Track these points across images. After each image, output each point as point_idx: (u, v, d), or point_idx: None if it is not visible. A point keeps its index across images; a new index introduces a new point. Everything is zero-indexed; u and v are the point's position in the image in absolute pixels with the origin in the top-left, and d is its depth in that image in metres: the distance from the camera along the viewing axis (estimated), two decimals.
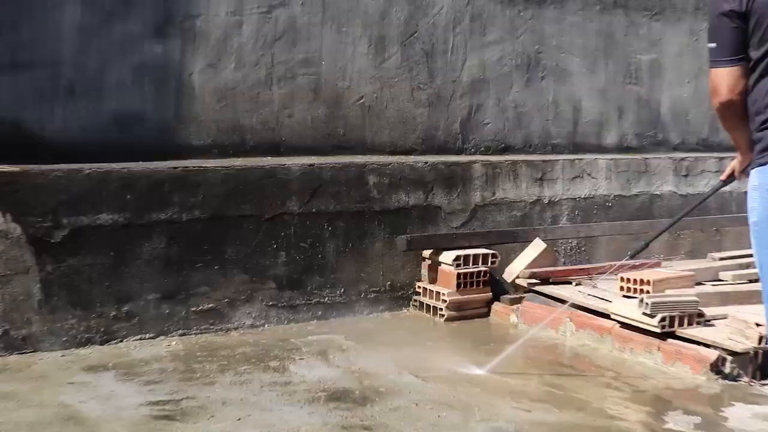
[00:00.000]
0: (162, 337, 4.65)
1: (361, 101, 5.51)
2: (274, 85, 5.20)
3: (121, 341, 4.54)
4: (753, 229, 3.11)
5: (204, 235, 4.74)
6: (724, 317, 4.53)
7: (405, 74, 5.66)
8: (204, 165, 4.77)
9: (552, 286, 5.31)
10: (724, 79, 3.11)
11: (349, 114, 5.48)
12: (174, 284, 4.68)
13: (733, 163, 3.60)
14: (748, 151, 3.23)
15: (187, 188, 4.67)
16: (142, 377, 4.04)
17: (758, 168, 3.10)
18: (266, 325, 4.95)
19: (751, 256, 6.10)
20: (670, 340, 4.43)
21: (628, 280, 4.89)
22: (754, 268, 5.53)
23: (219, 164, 4.83)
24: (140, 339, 4.59)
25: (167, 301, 4.67)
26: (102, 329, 4.50)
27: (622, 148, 6.74)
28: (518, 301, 5.30)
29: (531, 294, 5.31)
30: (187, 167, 4.70)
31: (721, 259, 5.97)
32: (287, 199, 4.99)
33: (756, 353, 4.25)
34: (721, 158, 7.00)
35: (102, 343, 4.48)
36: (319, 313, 5.14)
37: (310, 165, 5.09)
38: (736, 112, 3.15)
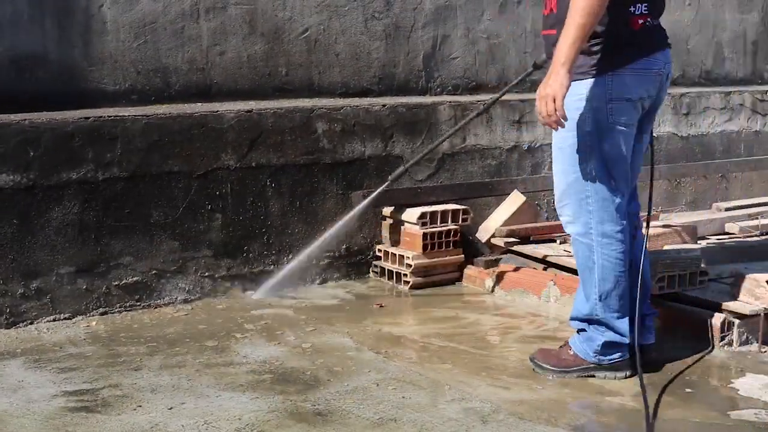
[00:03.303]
0: (79, 317, 4.64)
1: (306, 34, 5.49)
2: (201, 18, 5.15)
3: (32, 323, 4.53)
4: (585, 140, 3.76)
5: (124, 197, 4.71)
6: (731, 275, 4.60)
7: (357, 1, 5.63)
8: (121, 114, 4.73)
9: (533, 245, 5.35)
10: None
11: (292, 50, 5.45)
12: (91, 255, 4.67)
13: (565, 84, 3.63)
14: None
15: (102, 142, 4.64)
16: (56, 364, 4.03)
17: (593, 79, 3.70)
18: (202, 300, 4.97)
19: (761, 205, 6.23)
20: (669, 303, 4.50)
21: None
22: (765, 218, 5.65)
23: (139, 113, 4.79)
24: (54, 320, 4.58)
25: (84, 275, 4.65)
26: (8, 310, 4.48)
27: None
28: (494, 263, 5.35)
29: (509, 255, 5.36)
30: (100, 117, 4.66)
31: (728, 209, 6.05)
32: (222, 152, 4.97)
33: (767, 315, 4.32)
34: (727, 93, 7.09)
35: (8, 327, 4.47)
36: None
37: (248, 111, 5.07)
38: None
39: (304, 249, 5.17)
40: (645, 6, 3.70)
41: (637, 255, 3.97)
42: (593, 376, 3.94)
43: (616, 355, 3.93)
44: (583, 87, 3.73)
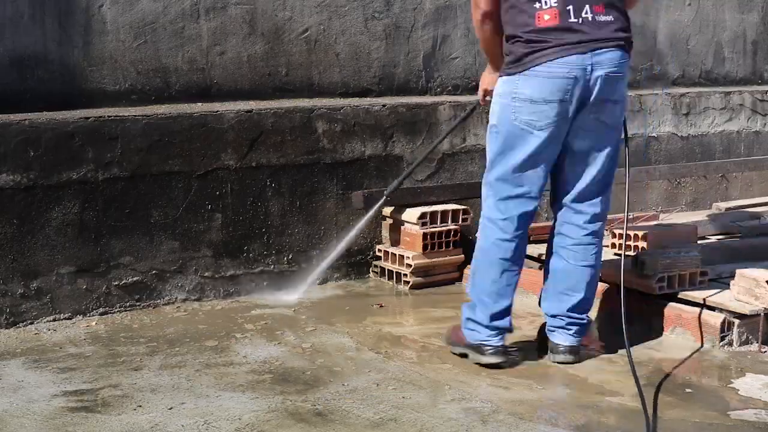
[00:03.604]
0: (79, 317, 4.64)
1: (306, 34, 5.49)
2: (201, 18, 5.15)
3: (32, 323, 4.53)
4: (491, 131, 4.03)
5: (124, 197, 4.71)
6: (731, 275, 4.60)
7: (357, 1, 5.63)
8: (121, 114, 4.73)
9: (533, 244, 5.33)
10: None
11: (292, 50, 5.45)
12: (91, 255, 4.66)
13: (486, 80, 4.33)
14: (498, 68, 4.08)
15: (103, 142, 4.63)
16: (56, 364, 4.03)
17: (506, 77, 3.92)
18: (202, 300, 4.97)
19: (761, 205, 6.27)
20: (669, 303, 4.50)
21: (620, 236, 4.95)
22: (765, 219, 5.66)
23: (139, 113, 4.79)
24: (53, 320, 4.58)
25: (84, 275, 4.65)
26: (8, 310, 4.48)
27: None
28: None
29: None
30: (101, 117, 4.65)
31: (728, 209, 6.05)
32: (222, 152, 4.97)
33: (767, 315, 4.33)
34: (727, 93, 7.09)
35: (8, 327, 4.46)
36: (264, 283, 5.16)
37: (248, 111, 5.06)
38: (494, 25, 3.96)
39: (330, 251, 5.21)
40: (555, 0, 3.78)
41: (567, 260, 4.10)
42: (467, 356, 4.12)
43: (483, 336, 4.06)
44: (500, 84, 3.96)
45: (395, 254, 5.34)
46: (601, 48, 3.81)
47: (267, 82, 5.39)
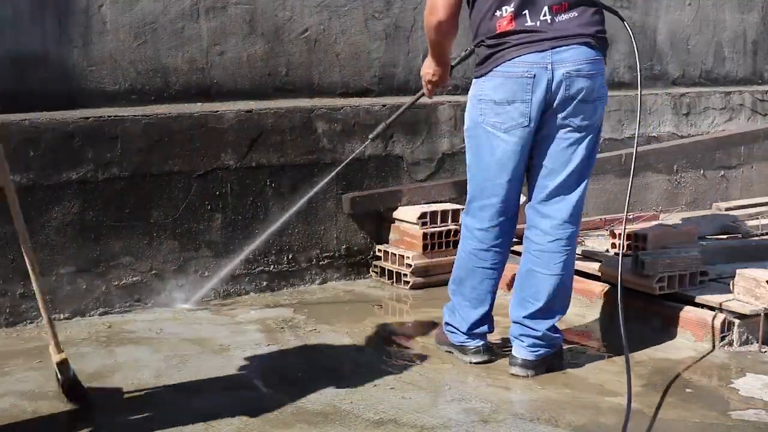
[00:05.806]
0: (79, 317, 4.65)
1: (306, 34, 5.49)
2: (201, 17, 5.15)
3: (31, 323, 4.53)
4: (466, 135, 4.05)
5: (124, 197, 4.71)
6: (731, 275, 4.61)
7: (357, 1, 5.63)
8: (121, 114, 4.73)
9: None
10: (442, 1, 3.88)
11: (292, 50, 5.45)
12: (91, 255, 4.67)
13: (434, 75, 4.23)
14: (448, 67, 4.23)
15: (102, 142, 4.63)
16: None
17: (474, 80, 3.96)
18: (202, 300, 4.96)
19: (761, 205, 6.28)
20: (669, 303, 4.50)
21: (620, 236, 4.95)
22: (765, 218, 5.67)
23: (139, 113, 4.79)
24: (53, 320, 4.55)
25: (84, 275, 4.66)
26: (8, 310, 4.48)
27: (612, 84, 6.77)
28: None
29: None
30: (100, 117, 4.65)
31: (728, 209, 6.05)
32: (222, 152, 4.97)
33: (767, 315, 4.33)
34: (728, 93, 7.09)
35: (8, 326, 4.47)
36: (264, 283, 5.16)
37: (248, 111, 5.07)
38: (451, 30, 3.95)
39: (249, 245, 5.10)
40: (512, 6, 3.77)
41: (530, 265, 3.99)
42: (452, 353, 4.18)
43: (462, 338, 4.12)
44: (472, 87, 4.00)
45: (395, 254, 5.34)
46: (561, 45, 3.76)
47: (267, 82, 5.39)
